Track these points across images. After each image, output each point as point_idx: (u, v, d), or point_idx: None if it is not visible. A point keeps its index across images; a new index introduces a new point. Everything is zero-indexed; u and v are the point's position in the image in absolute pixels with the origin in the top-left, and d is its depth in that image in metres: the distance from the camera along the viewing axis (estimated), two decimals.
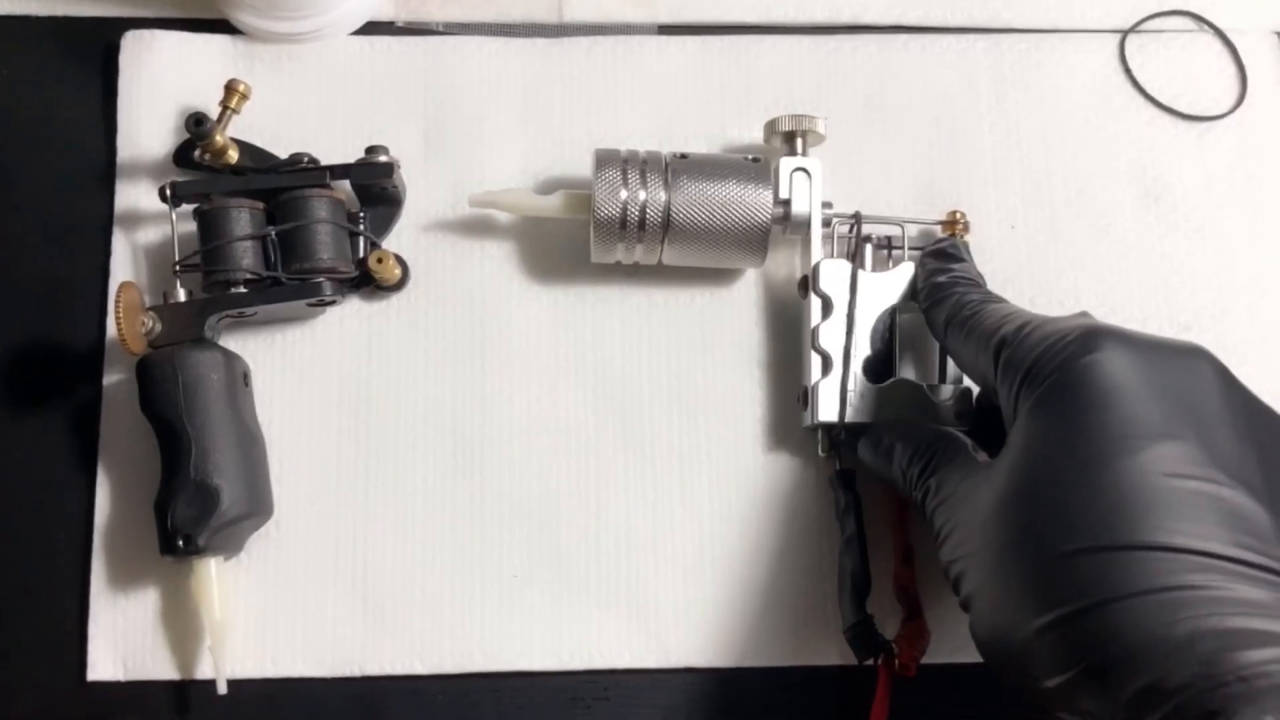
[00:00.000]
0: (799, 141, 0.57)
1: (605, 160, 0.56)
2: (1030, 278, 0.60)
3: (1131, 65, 0.63)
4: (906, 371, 0.56)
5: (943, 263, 0.54)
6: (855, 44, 0.63)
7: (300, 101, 0.61)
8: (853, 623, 0.54)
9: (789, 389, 0.59)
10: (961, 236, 0.58)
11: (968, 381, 0.55)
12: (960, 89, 0.63)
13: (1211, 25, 0.63)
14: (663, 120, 0.62)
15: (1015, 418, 0.44)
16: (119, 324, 0.53)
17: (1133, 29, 0.64)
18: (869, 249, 0.57)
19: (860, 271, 0.56)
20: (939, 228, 0.59)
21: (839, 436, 0.56)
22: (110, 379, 0.59)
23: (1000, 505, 0.42)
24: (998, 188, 0.61)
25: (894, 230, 0.58)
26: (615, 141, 0.60)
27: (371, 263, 0.57)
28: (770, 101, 0.62)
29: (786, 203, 0.57)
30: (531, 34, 0.62)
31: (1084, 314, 0.46)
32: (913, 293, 0.56)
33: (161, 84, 0.61)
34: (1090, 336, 0.42)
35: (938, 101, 0.62)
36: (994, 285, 0.58)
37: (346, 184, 0.58)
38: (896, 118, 0.62)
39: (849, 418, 0.55)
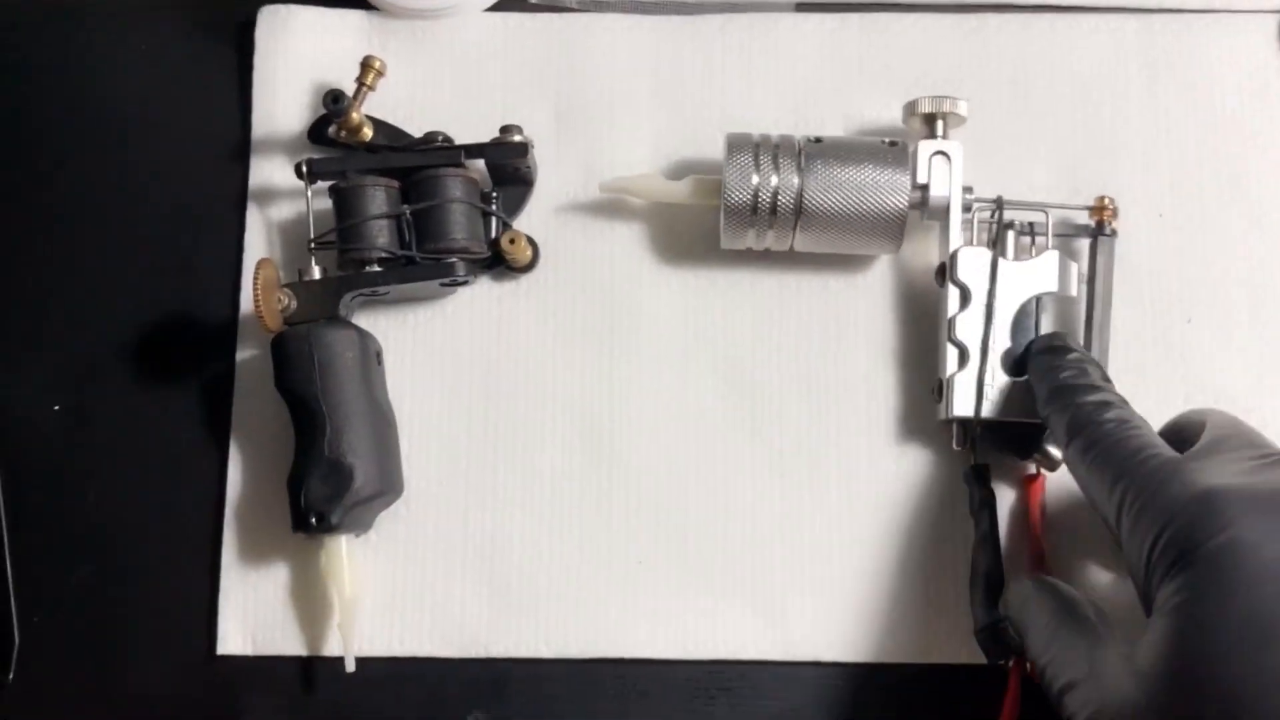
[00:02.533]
0: (939, 124, 0.56)
1: (736, 145, 0.55)
2: (1178, 269, 0.58)
3: None
4: None
5: (1056, 359, 0.51)
6: (999, 22, 0.61)
7: (434, 79, 0.61)
8: (985, 624, 0.52)
9: (923, 380, 0.57)
10: (1109, 223, 0.56)
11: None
12: (1109, 71, 0.60)
13: None
14: (797, 100, 0.60)
15: (1151, 592, 0.42)
16: (257, 301, 0.53)
17: None
18: (1011, 236, 0.55)
19: (1000, 260, 0.54)
20: (1085, 213, 0.57)
21: (975, 431, 0.54)
22: (243, 354, 0.59)
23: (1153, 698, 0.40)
24: (1145, 174, 0.59)
25: (1037, 216, 0.56)
26: (748, 122, 0.59)
27: (504, 243, 0.57)
28: (910, 82, 0.60)
29: (925, 188, 0.55)
30: (665, 11, 0.61)
31: (1204, 433, 0.46)
32: (1058, 280, 0.54)
33: (297, 60, 0.61)
34: (1211, 513, 0.40)
35: (1085, 84, 0.60)
36: (1140, 276, 0.57)
37: (479, 163, 0.57)
38: (1041, 100, 0.60)
39: (986, 413, 0.53)
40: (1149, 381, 0.57)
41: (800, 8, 0.61)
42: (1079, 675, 0.44)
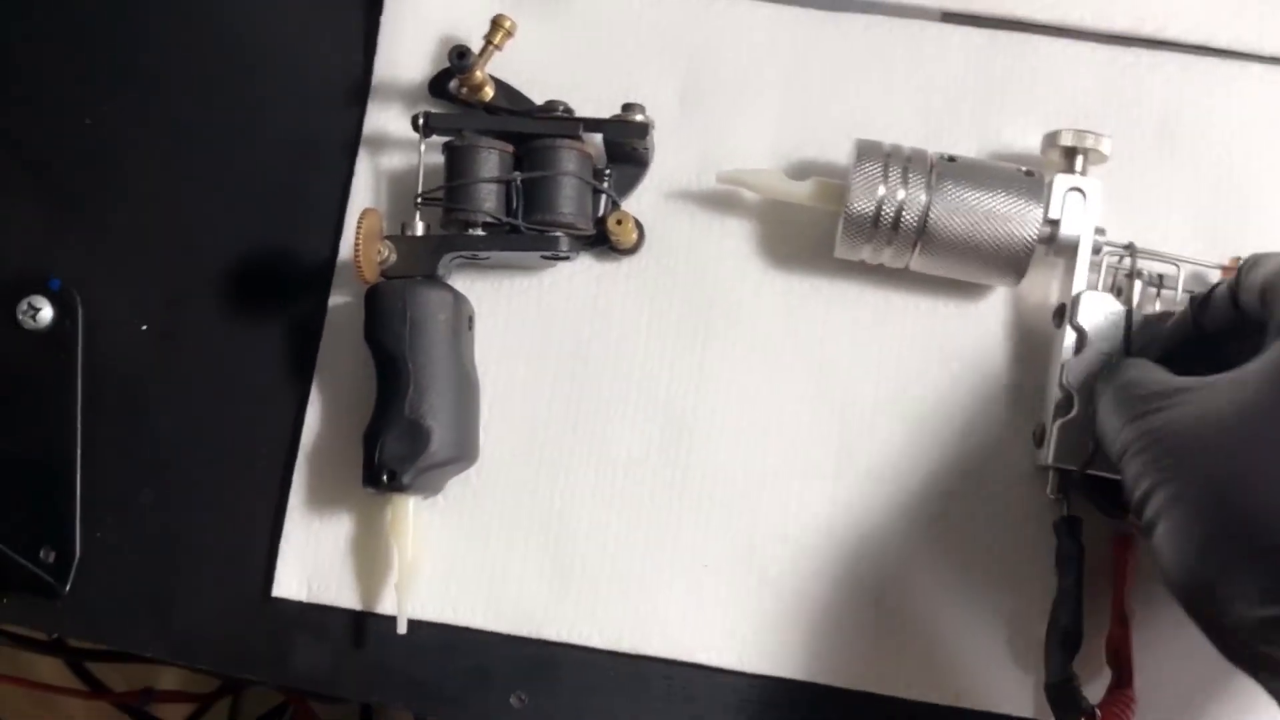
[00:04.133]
0: (1079, 159, 0.53)
1: (866, 152, 0.53)
2: None
3: None
4: None
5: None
6: (1154, 60, 0.58)
7: (562, 47, 0.59)
8: (1057, 680, 0.51)
9: (1025, 421, 0.55)
10: None
11: None
12: (1264, 125, 0.57)
13: None
14: (932, 115, 0.58)
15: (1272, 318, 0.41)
16: (357, 250, 0.52)
17: None
18: (1138, 285, 0.53)
19: (1124, 308, 0.51)
20: (1218, 271, 0.54)
21: (1073, 482, 0.52)
22: (336, 300, 0.58)
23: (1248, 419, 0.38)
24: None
25: (1168, 269, 0.53)
26: (878, 130, 0.57)
27: (610, 223, 0.55)
28: (1052, 111, 0.58)
29: (1056, 223, 0.52)
30: (806, 3, 0.59)
31: None
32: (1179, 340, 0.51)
33: (428, 10, 0.60)
34: None
35: (1236, 135, 0.57)
36: None
37: (597, 138, 0.56)
38: (1187, 146, 0.57)
39: (1088, 467, 0.51)
40: None
41: (947, 17, 0.59)
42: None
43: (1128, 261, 0.53)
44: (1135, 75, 0.58)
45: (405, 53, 0.60)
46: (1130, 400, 0.44)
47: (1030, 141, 0.56)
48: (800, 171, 0.57)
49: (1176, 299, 0.53)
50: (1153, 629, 0.53)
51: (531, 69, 0.59)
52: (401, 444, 0.52)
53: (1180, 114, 0.57)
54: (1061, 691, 0.50)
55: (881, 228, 0.53)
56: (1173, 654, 0.53)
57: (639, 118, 0.55)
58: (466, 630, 0.56)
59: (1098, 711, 0.50)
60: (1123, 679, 0.51)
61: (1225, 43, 0.58)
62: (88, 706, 1.06)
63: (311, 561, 0.57)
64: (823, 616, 0.55)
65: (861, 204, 0.52)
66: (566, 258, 0.56)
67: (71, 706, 1.12)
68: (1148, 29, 0.58)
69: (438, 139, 0.56)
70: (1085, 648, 0.51)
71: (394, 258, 0.54)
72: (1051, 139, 0.54)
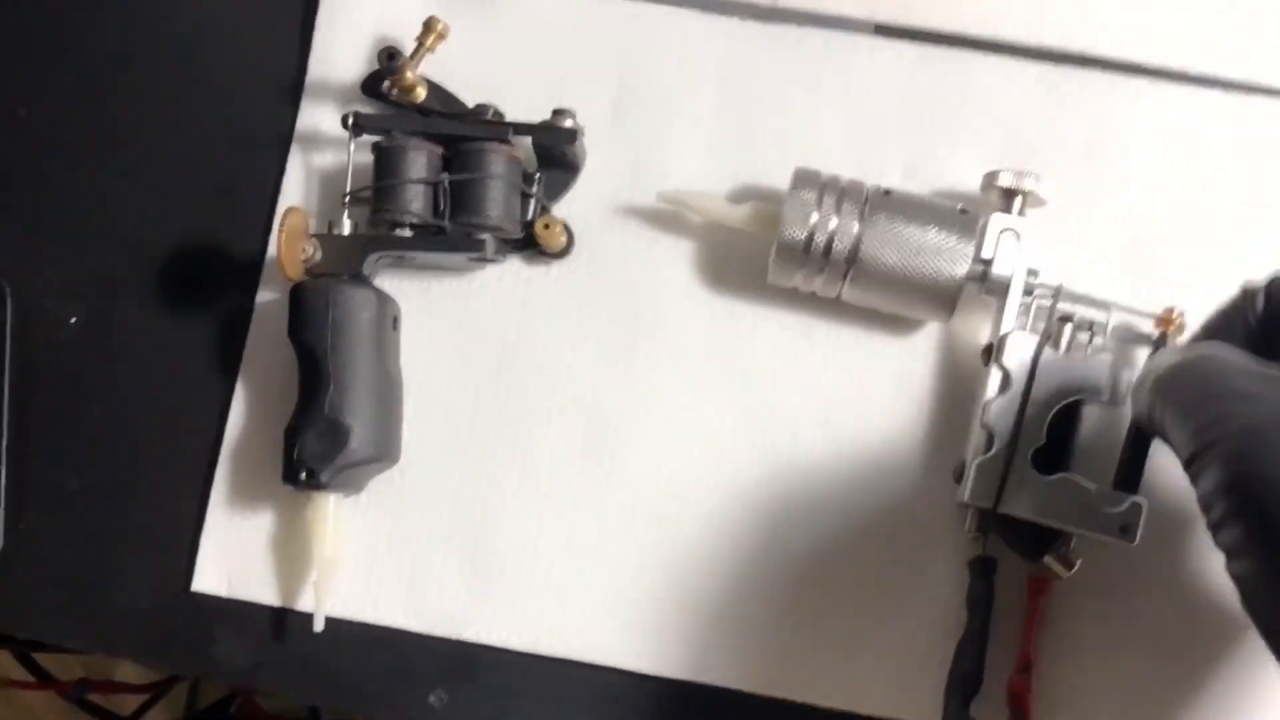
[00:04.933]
0: (1017, 200, 0.53)
1: (802, 181, 0.53)
2: None
3: None
4: (1080, 471, 0.52)
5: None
6: (1083, 80, 0.58)
7: (495, 51, 0.59)
8: None
9: (948, 457, 0.55)
10: (1173, 338, 0.52)
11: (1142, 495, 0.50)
12: (1195, 150, 0.57)
13: None
14: (864, 129, 0.58)
15: None
16: (280, 246, 0.52)
17: None
18: (1068, 329, 0.52)
19: (1048, 351, 0.51)
20: (1149, 321, 0.53)
21: (989, 522, 0.52)
22: (264, 296, 0.58)
23: None
24: (1224, 271, 0.56)
25: (1099, 315, 0.53)
26: (809, 144, 0.57)
27: (538, 227, 0.56)
28: (983, 128, 0.58)
29: (988, 263, 0.52)
30: (740, 14, 0.59)
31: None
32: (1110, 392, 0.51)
33: (363, 9, 0.60)
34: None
35: (1166, 162, 0.57)
36: None
37: (527, 142, 0.56)
38: (1116, 171, 0.57)
39: (1002, 506, 0.51)
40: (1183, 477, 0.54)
41: (880, 30, 0.59)
42: None
43: (1054, 305, 0.53)
44: (1062, 95, 0.58)
45: (339, 51, 0.60)
46: (1209, 388, 0.37)
47: (961, 156, 0.57)
48: (735, 184, 0.58)
49: (1105, 344, 0.52)
50: (1058, 673, 0.53)
51: (464, 71, 0.59)
52: (321, 442, 0.53)
53: (1106, 136, 0.57)
54: None
55: (813, 256, 0.53)
56: (1075, 705, 0.53)
57: (568, 123, 0.55)
58: (386, 629, 0.56)
59: None
60: None
61: (1156, 61, 0.58)
62: (46, 698, 1.06)
63: (232, 556, 0.57)
64: (740, 624, 0.55)
65: (794, 231, 0.52)
66: (493, 260, 0.56)
67: (29, 699, 1.12)
68: (1078, 44, 0.58)
69: (368, 138, 0.56)
70: (991, 689, 0.52)
71: (319, 255, 0.54)
72: (990, 178, 0.53)
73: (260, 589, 0.57)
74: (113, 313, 0.60)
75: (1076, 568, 0.52)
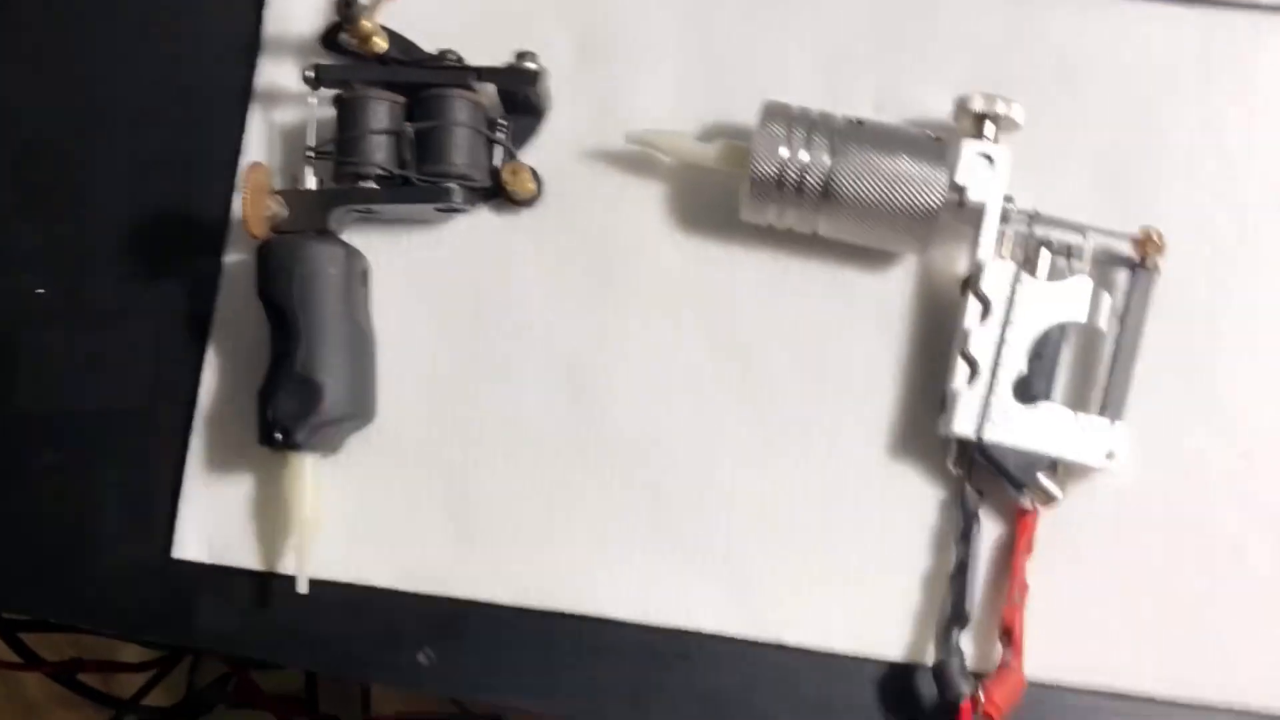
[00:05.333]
0: (988, 125, 0.52)
1: (772, 114, 0.52)
2: (1210, 278, 0.54)
3: None
4: (1062, 396, 0.51)
5: None
6: (1052, 1, 0.57)
7: None
8: (938, 660, 0.50)
9: (930, 390, 0.54)
10: (1152, 258, 0.52)
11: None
12: (1162, 68, 0.56)
13: None
14: (834, 60, 0.57)
15: None
16: (244, 204, 0.51)
17: None
18: (1046, 255, 0.51)
19: (1026, 277, 0.51)
20: (1127, 243, 0.52)
21: (973, 453, 0.51)
22: (232, 257, 0.58)
23: None
24: (1189, 181, 0.55)
25: (1076, 238, 0.52)
26: (778, 78, 0.56)
27: (505, 173, 0.55)
28: (953, 54, 0.57)
29: (962, 190, 0.52)
30: None
31: None
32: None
33: None
34: None
35: (1133, 80, 0.56)
36: (1170, 279, 0.53)
37: (490, 88, 0.55)
38: (1087, 92, 0.56)
39: (986, 435, 0.50)
40: (1166, 396, 0.54)
41: None
42: None
43: (1032, 230, 0.52)
44: (1033, 16, 0.57)
45: (296, 5, 0.59)
46: None
47: (928, 87, 0.56)
48: (708, 131, 0.57)
49: (1086, 268, 0.52)
50: (1051, 601, 0.52)
51: (425, 19, 0.58)
52: (294, 401, 0.52)
53: (1078, 57, 0.57)
54: (942, 672, 0.50)
55: (786, 190, 0.52)
56: (1066, 633, 0.52)
57: (532, 66, 0.54)
58: (371, 589, 0.56)
59: (980, 694, 0.49)
60: (1012, 656, 0.51)
61: None
62: (42, 683, 1.05)
63: (212, 522, 0.56)
64: (727, 569, 0.55)
65: (765, 166, 0.51)
66: (462, 210, 0.55)
67: (25, 682, 1.11)
68: None
69: (328, 92, 0.55)
70: (984, 621, 0.51)
71: (284, 212, 0.53)
72: (962, 104, 0.52)
73: (242, 554, 0.56)
74: (80, 281, 0.59)
75: (1063, 495, 0.51)
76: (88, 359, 0.58)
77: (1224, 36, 0.56)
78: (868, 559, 0.54)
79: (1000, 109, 0.51)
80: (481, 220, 0.57)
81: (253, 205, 0.52)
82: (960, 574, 0.51)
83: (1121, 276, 0.53)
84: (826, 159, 0.51)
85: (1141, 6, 0.56)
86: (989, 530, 0.53)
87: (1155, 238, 0.52)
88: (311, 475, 0.53)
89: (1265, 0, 0.56)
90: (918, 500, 0.54)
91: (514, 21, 0.58)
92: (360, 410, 0.54)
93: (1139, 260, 0.52)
